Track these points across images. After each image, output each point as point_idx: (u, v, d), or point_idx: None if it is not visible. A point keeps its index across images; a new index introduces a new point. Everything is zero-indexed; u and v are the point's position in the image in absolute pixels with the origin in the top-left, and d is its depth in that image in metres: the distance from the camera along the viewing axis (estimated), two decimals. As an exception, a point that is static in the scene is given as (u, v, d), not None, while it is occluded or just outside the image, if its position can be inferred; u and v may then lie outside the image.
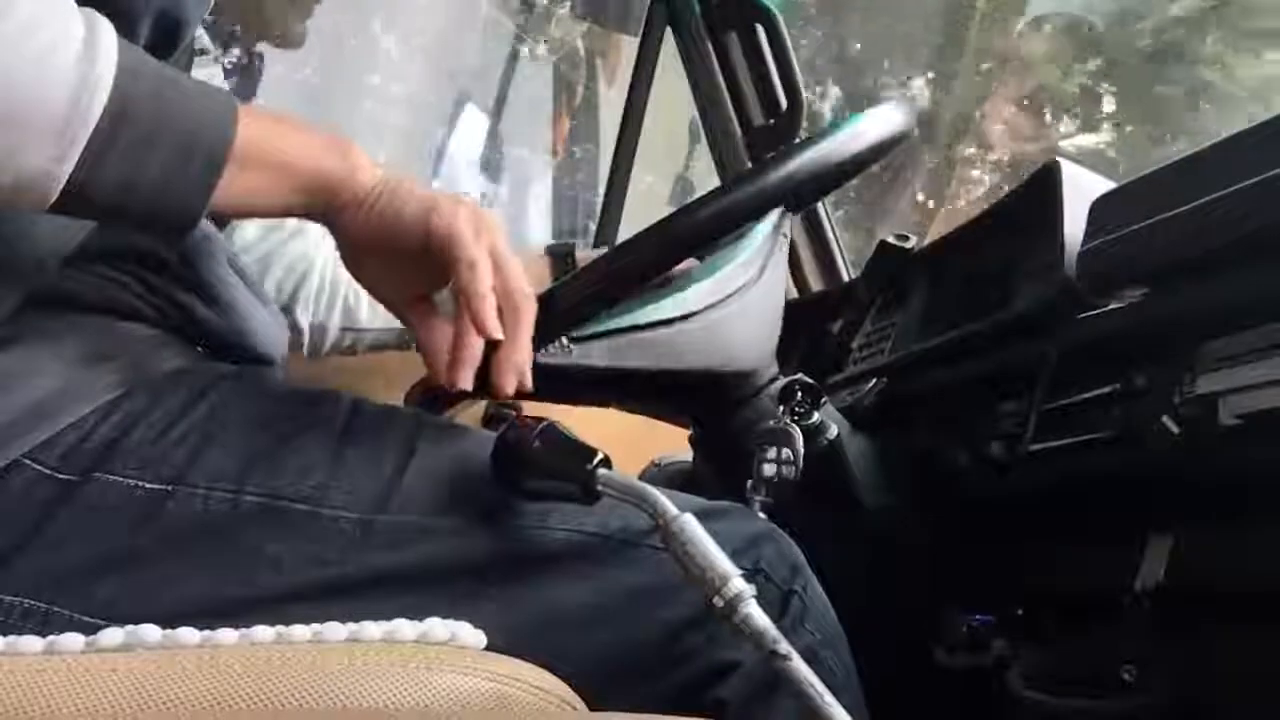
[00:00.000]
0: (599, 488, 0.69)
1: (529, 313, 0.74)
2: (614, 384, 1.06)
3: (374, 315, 1.17)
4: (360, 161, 0.71)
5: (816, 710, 0.59)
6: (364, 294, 1.16)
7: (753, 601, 0.62)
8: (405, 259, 0.73)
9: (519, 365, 0.73)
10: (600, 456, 0.70)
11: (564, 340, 0.93)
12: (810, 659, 0.73)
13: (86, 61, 0.58)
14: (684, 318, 0.92)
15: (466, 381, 0.72)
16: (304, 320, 1.14)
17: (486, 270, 0.71)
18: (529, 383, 0.74)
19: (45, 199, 0.60)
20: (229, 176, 0.64)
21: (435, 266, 0.72)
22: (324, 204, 0.70)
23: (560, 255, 1.23)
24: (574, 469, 0.70)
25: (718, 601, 0.63)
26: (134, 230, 0.65)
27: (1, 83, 0.56)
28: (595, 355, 1.02)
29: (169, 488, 0.67)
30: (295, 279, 1.13)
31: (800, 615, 0.74)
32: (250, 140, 0.65)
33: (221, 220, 0.86)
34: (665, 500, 0.67)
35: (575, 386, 1.11)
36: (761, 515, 0.86)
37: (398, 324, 1.16)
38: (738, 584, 0.63)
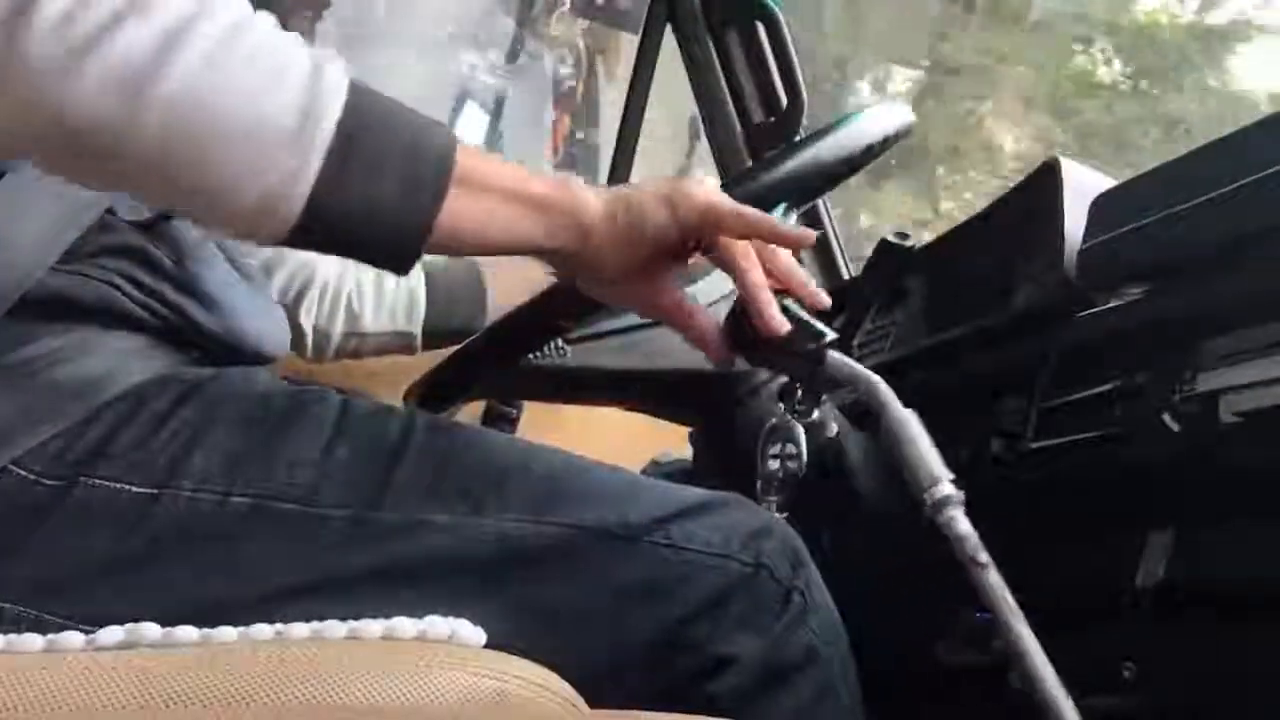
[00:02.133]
0: (826, 367, 0.72)
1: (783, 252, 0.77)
2: (614, 384, 1.06)
3: (377, 318, 1.18)
4: (575, 185, 0.70)
5: (1004, 627, 0.64)
6: (367, 298, 1.17)
7: (960, 507, 0.66)
8: (652, 261, 0.73)
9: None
10: (832, 337, 0.73)
11: (559, 344, 0.93)
12: (810, 658, 0.73)
13: (316, 80, 0.59)
14: None
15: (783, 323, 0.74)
16: (307, 324, 1.15)
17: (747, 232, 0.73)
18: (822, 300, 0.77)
19: (287, 221, 0.60)
20: (455, 201, 0.64)
21: (675, 257, 0.73)
22: (561, 230, 0.69)
23: None
24: (805, 345, 0.73)
25: (926, 499, 0.67)
26: (359, 259, 0.65)
27: (241, 100, 0.57)
28: (594, 356, 1.02)
29: (156, 490, 0.66)
30: (300, 283, 1.14)
31: (801, 612, 0.74)
32: (468, 166, 0.65)
33: None
34: (890, 393, 0.70)
35: (576, 386, 1.11)
36: (766, 509, 0.85)
37: (401, 327, 1.18)
38: (946, 488, 0.67)
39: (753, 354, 0.75)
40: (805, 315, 0.75)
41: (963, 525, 0.65)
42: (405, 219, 0.62)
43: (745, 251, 0.74)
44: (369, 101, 0.61)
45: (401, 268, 0.65)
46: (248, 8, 0.59)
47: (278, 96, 0.58)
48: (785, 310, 0.74)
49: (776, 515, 0.78)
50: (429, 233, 0.63)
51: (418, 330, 1.19)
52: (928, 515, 0.66)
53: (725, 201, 0.72)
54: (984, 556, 0.64)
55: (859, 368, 0.72)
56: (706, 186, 0.73)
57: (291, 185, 0.58)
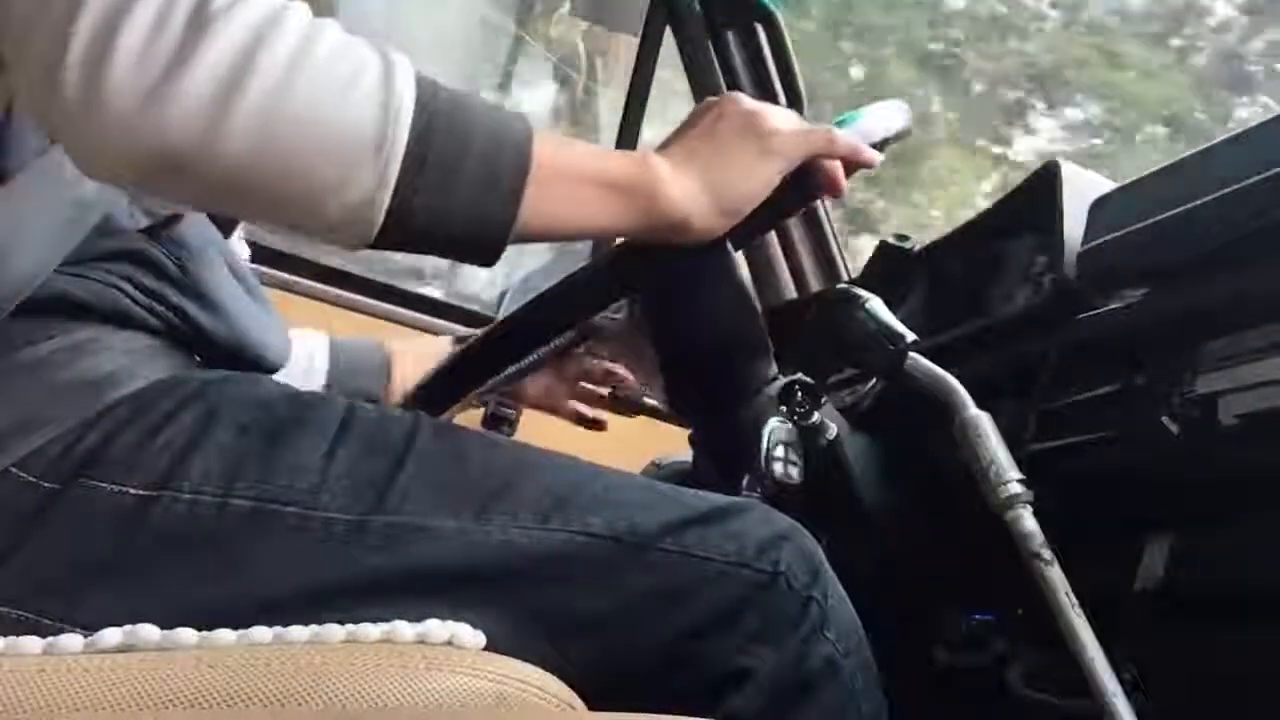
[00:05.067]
0: (905, 367, 0.76)
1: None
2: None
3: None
4: (654, 164, 0.71)
5: (1064, 624, 0.66)
6: None
7: (1027, 506, 0.70)
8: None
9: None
10: (912, 339, 0.77)
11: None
12: (830, 670, 0.71)
13: (387, 85, 0.60)
14: None
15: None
16: None
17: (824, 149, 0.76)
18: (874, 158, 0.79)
19: (369, 230, 0.61)
20: (535, 194, 0.64)
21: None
22: (643, 213, 0.70)
23: (465, 338, 1.24)
24: (885, 344, 0.77)
25: (995, 496, 0.70)
26: (444, 258, 0.67)
27: (318, 116, 0.58)
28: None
29: (155, 492, 0.66)
30: None
31: (820, 622, 0.72)
32: (546, 156, 0.65)
33: (225, 228, 0.85)
34: (965, 394, 0.75)
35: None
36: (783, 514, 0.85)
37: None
38: (1015, 486, 0.71)
39: (836, 354, 0.78)
40: (887, 318, 0.77)
41: (1029, 522, 0.69)
42: (487, 217, 0.63)
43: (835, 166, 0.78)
44: (443, 100, 0.62)
45: (487, 263, 0.66)
46: (308, 12, 0.60)
47: (355, 105, 0.59)
48: (866, 313, 0.77)
49: (794, 522, 0.77)
50: (510, 229, 0.64)
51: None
52: (995, 511, 0.70)
53: (817, 137, 0.75)
54: (1048, 553, 0.66)
55: (937, 369, 0.75)
56: (787, 124, 0.74)
57: (374, 198, 0.60)
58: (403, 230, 0.61)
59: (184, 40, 0.55)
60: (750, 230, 0.77)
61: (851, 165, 0.78)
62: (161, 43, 0.55)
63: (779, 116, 0.75)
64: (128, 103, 0.54)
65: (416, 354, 1.20)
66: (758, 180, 0.73)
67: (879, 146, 0.82)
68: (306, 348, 1.18)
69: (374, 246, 0.62)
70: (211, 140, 0.56)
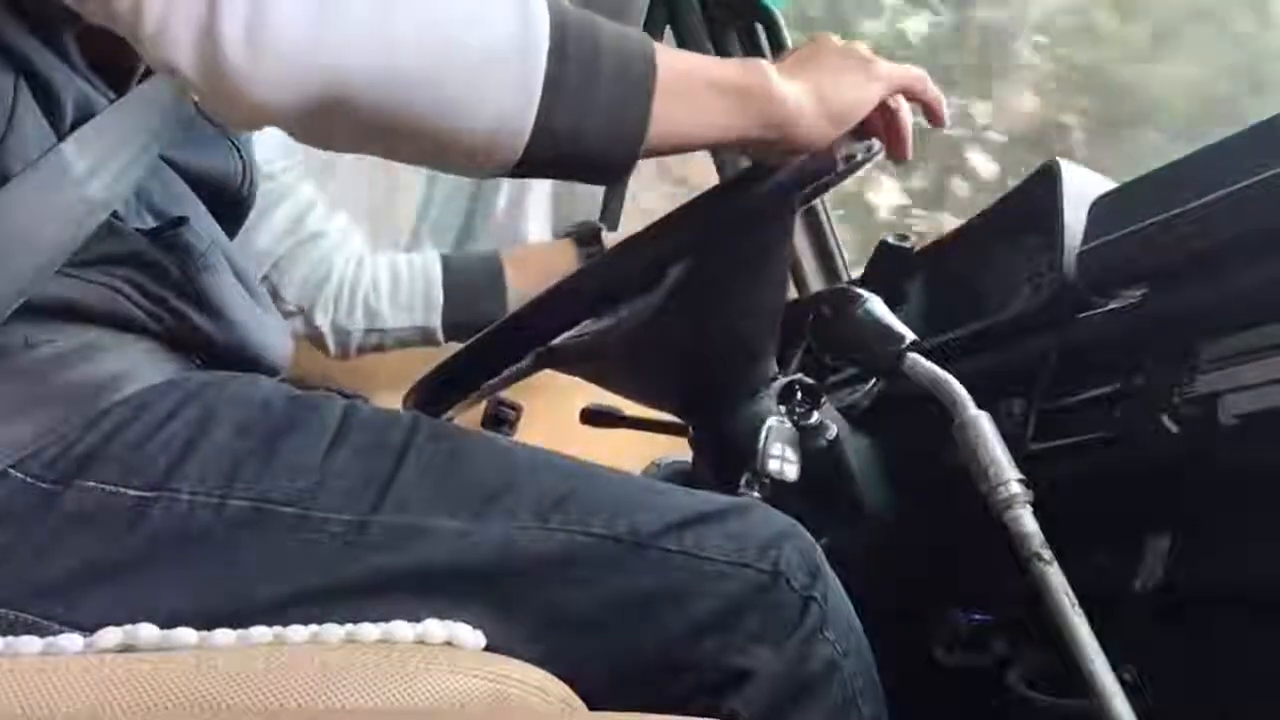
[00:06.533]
0: (905, 367, 0.76)
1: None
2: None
3: (396, 313, 1.19)
4: (762, 65, 0.72)
5: (1064, 624, 0.66)
6: (384, 294, 1.17)
7: (1027, 506, 0.70)
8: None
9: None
10: (912, 339, 0.77)
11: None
12: (830, 671, 0.71)
13: (524, 5, 0.62)
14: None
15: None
16: (324, 322, 1.15)
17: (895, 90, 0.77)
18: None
19: (518, 143, 0.62)
20: (662, 106, 0.66)
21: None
22: (762, 116, 0.71)
23: (585, 237, 1.24)
24: (885, 344, 0.77)
25: (994, 496, 0.70)
26: (576, 179, 0.70)
27: (460, 36, 0.60)
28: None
29: (152, 493, 0.66)
30: (315, 281, 1.14)
31: (820, 623, 0.72)
32: (667, 66, 0.66)
33: (230, 229, 0.85)
34: (964, 393, 0.74)
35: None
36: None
37: (420, 321, 1.18)
38: (1014, 487, 0.71)
39: (836, 354, 0.77)
40: (887, 318, 0.77)
41: (1028, 523, 0.69)
42: (622, 132, 0.65)
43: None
44: (573, 18, 0.64)
45: (618, 180, 0.72)
46: None
47: (494, 26, 0.61)
48: (867, 313, 0.76)
49: (794, 522, 0.77)
50: (642, 142, 0.66)
51: (438, 323, 1.20)
52: (995, 511, 0.70)
53: (915, 73, 0.77)
54: (1048, 554, 0.66)
55: (936, 369, 0.75)
56: (868, 60, 0.75)
57: (518, 117, 0.61)
58: (540, 155, 0.63)
59: None
60: (823, 172, 0.77)
61: (934, 113, 0.79)
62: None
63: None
64: (298, 33, 0.56)
65: (535, 262, 1.21)
66: (865, 92, 0.74)
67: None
68: (424, 278, 1.19)
69: (515, 170, 0.64)
70: (375, 53, 0.58)
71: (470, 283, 1.20)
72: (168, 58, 0.58)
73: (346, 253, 1.17)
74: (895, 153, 0.79)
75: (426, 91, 0.60)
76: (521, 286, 1.19)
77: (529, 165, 0.64)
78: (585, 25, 0.64)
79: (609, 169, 0.67)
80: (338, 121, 0.61)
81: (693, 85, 0.69)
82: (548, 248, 1.27)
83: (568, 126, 0.63)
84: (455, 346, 1.00)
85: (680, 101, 0.68)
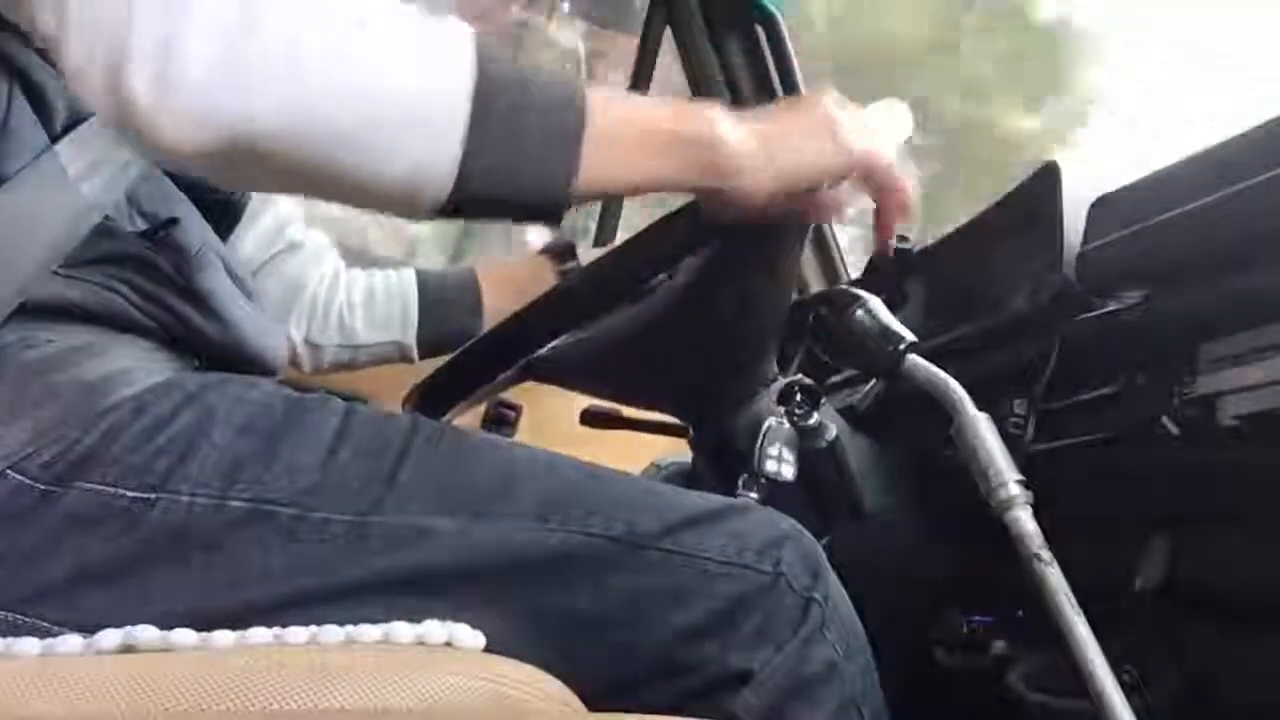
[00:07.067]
0: (905, 367, 0.76)
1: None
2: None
3: (371, 330, 1.19)
4: (715, 115, 0.70)
5: (1063, 625, 0.66)
6: (358, 310, 1.18)
7: (1026, 507, 0.70)
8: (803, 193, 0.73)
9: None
10: (911, 340, 0.77)
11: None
12: (831, 672, 0.71)
13: (446, 45, 0.61)
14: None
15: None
16: (297, 336, 1.15)
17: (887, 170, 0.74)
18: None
19: (440, 190, 0.61)
20: (593, 154, 0.65)
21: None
22: (701, 166, 0.69)
23: (560, 252, 1.24)
24: (885, 345, 0.77)
25: (993, 497, 0.71)
26: (508, 221, 0.68)
27: (377, 81, 0.59)
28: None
29: (152, 494, 0.66)
30: (291, 293, 1.14)
31: (820, 623, 0.72)
32: (599, 113, 0.65)
33: (223, 231, 0.86)
34: (964, 395, 0.75)
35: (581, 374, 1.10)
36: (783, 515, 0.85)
37: (395, 337, 1.19)
38: (1014, 487, 0.71)
39: (836, 354, 0.78)
40: (887, 318, 0.77)
41: (1027, 523, 0.69)
42: (547, 179, 0.64)
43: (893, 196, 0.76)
44: (498, 68, 0.63)
45: (552, 223, 0.68)
46: None
47: (410, 76, 0.60)
48: (867, 314, 0.76)
49: (795, 522, 0.77)
50: (569, 188, 0.65)
51: (413, 339, 1.20)
52: (994, 512, 0.70)
53: (883, 155, 0.73)
54: (1047, 554, 0.66)
55: (936, 370, 0.75)
56: (865, 125, 0.73)
57: (438, 165, 0.61)
58: (463, 203, 0.62)
59: (245, 6, 0.56)
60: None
61: (891, 202, 0.76)
62: (229, 12, 0.56)
63: (864, 118, 0.74)
64: (203, 76, 0.55)
65: (510, 278, 1.21)
66: (818, 159, 0.71)
67: None
68: (400, 294, 1.20)
69: (446, 214, 0.63)
70: (284, 99, 0.57)
71: (446, 300, 1.20)
72: (84, 95, 0.58)
73: (322, 268, 1.18)
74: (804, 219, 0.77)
75: (340, 140, 0.59)
76: (498, 303, 1.19)
77: (459, 210, 0.63)
78: (510, 75, 0.63)
79: (540, 213, 0.66)
80: (252, 166, 0.60)
81: (626, 132, 0.67)
82: (523, 264, 1.27)
83: (492, 174, 0.62)
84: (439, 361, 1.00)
85: (614, 148, 0.66)
